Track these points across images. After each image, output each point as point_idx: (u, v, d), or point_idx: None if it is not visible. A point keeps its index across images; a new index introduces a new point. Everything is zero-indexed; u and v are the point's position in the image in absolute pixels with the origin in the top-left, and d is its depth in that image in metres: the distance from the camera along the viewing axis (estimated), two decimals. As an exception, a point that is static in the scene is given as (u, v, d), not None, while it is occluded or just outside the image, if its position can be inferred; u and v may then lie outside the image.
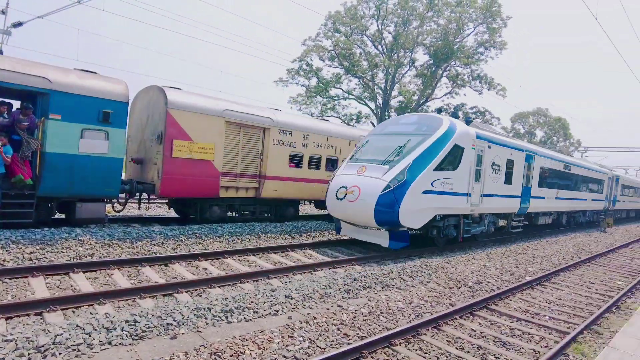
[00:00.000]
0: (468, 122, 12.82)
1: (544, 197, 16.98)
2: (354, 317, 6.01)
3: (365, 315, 6.15)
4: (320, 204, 16.85)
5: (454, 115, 13.14)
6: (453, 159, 11.06)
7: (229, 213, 12.78)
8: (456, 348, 5.40)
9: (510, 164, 13.97)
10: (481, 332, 6.02)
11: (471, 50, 32.13)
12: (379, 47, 33.59)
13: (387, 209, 9.85)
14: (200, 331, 5.17)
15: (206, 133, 11.21)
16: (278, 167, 12.98)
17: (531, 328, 6.44)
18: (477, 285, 8.53)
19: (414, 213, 10.22)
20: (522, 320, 6.73)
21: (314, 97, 34.76)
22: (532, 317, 6.94)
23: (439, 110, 14.95)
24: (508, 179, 13.97)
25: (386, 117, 34.98)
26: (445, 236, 11.86)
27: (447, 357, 5.10)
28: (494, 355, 5.28)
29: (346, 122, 34.84)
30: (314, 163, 14.24)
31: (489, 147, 12.61)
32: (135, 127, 12.14)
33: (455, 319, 6.44)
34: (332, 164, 14.99)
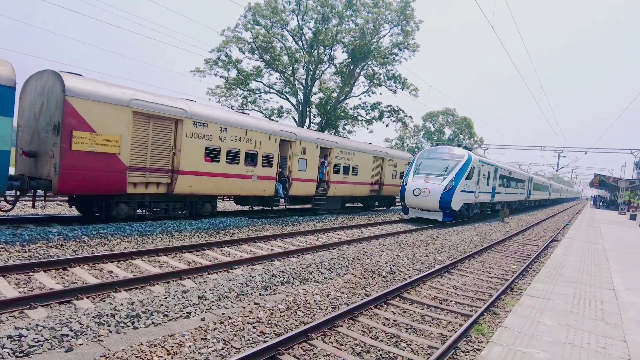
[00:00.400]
0: (469, 149, 21.94)
1: (500, 193, 27.16)
2: (271, 314, 5.91)
3: (283, 312, 6.08)
4: (240, 199, 16.44)
5: (465, 147, 22.03)
6: (471, 173, 19.92)
7: (139, 211, 11.92)
8: (371, 337, 5.54)
9: (489, 174, 23.63)
10: (394, 321, 6.26)
11: (387, 51, 33.52)
12: (300, 42, 33.69)
13: (445, 200, 18.47)
14: (101, 340, 4.72)
15: (111, 124, 10.30)
16: (193, 162, 12.36)
17: (440, 313, 6.85)
18: (391, 275, 8.89)
19: (457, 202, 19.00)
20: (432, 307, 7.13)
21: (234, 89, 33.87)
22: (441, 303, 7.39)
23: (458, 145, 22.63)
24: (488, 183, 23.52)
25: (307, 113, 35.25)
26: (461, 214, 20.52)
27: (362, 347, 5.21)
28: (406, 342, 5.51)
29: (268, 116, 34.48)
30: (233, 157, 13.79)
31: (482, 165, 22.02)
32: (27, 115, 10.80)
33: (371, 308, 6.63)
34: (252, 159, 14.63)
